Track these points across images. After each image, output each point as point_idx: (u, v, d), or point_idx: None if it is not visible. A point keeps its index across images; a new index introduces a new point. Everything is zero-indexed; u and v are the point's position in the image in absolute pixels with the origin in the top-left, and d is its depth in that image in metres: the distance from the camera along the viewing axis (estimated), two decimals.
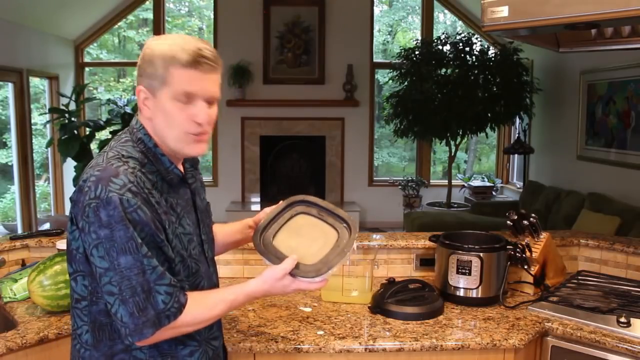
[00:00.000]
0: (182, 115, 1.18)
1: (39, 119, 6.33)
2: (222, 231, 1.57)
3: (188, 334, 1.24)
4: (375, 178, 7.51)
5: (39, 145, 6.40)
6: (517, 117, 5.99)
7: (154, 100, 1.20)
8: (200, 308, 1.20)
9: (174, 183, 1.25)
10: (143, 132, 1.23)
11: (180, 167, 1.30)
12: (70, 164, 5.53)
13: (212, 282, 1.37)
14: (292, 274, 1.28)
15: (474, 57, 5.84)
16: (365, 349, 1.59)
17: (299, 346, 1.58)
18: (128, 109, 5.31)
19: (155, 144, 1.23)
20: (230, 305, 1.25)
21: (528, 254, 1.98)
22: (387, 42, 8.89)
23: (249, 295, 1.28)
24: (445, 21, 8.42)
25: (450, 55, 5.88)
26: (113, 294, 1.11)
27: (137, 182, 1.14)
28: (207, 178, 7.11)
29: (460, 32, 6.54)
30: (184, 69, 1.16)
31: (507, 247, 1.94)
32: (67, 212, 6.58)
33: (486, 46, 6.23)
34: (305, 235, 1.40)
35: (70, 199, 1.18)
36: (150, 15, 7.44)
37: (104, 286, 1.12)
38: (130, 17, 7.85)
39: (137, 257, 1.11)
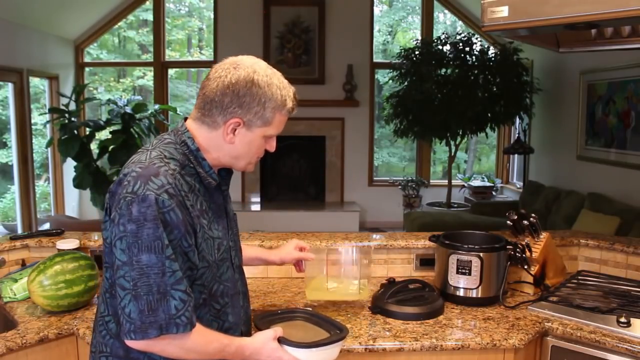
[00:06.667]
0: (262, 146, 1.31)
1: (39, 119, 6.32)
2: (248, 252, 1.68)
3: None
4: (375, 178, 7.51)
5: (39, 145, 6.40)
6: (517, 117, 5.99)
7: (246, 132, 1.27)
8: (199, 337, 1.19)
9: (210, 187, 1.30)
10: (188, 135, 1.27)
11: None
12: (70, 164, 5.54)
13: (237, 289, 1.37)
14: (280, 340, 1.30)
15: (474, 57, 5.84)
16: (365, 349, 1.59)
17: None
18: (128, 109, 5.31)
19: (198, 148, 1.27)
20: (223, 350, 1.23)
21: (528, 254, 1.98)
22: (387, 42, 8.89)
23: (240, 347, 1.27)
24: (445, 21, 8.42)
25: (450, 55, 5.88)
26: (125, 289, 1.14)
27: (176, 185, 1.18)
28: None
29: (460, 32, 6.54)
30: (285, 115, 1.30)
31: (507, 247, 1.94)
32: (67, 212, 6.59)
33: (486, 46, 6.23)
34: (299, 328, 1.50)
35: (109, 190, 1.21)
36: (150, 15, 7.44)
37: (118, 279, 1.15)
38: (130, 17, 7.85)
39: (160, 258, 1.13)
